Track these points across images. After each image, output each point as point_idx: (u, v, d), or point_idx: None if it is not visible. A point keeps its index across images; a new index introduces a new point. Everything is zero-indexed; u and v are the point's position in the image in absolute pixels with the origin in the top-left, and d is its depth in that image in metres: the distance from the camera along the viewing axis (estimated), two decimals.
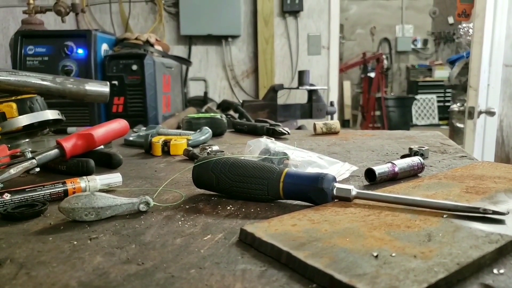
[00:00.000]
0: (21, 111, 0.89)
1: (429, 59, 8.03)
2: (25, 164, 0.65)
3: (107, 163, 0.80)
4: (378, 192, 0.54)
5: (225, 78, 3.24)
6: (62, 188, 0.59)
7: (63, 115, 0.95)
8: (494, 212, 0.44)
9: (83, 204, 0.49)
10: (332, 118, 2.65)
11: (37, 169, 0.68)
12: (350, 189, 0.52)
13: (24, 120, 0.87)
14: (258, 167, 0.56)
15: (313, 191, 0.53)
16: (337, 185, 0.53)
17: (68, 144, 0.73)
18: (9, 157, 0.70)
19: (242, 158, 0.61)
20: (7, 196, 0.54)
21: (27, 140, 0.94)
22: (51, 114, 0.92)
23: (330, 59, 3.21)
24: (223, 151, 0.89)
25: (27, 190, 0.56)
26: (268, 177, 0.55)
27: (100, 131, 0.81)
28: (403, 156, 0.82)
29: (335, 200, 0.53)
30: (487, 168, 0.69)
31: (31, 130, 0.95)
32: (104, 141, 0.83)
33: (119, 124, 0.89)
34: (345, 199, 0.53)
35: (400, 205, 0.49)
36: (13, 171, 0.62)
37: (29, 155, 0.67)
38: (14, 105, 0.88)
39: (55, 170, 0.76)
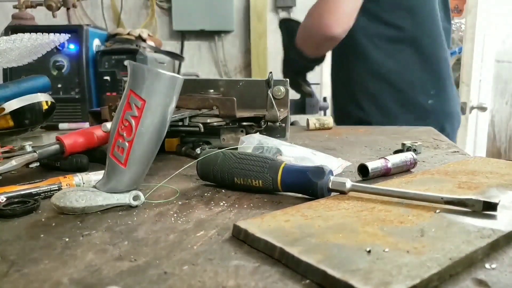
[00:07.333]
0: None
1: None
2: (27, 157, 0.65)
3: (101, 158, 0.79)
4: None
5: (218, 73, 3.23)
6: (55, 185, 0.59)
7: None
8: (485, 203, 0.44)
9: (74, 190, 0.50)
10: (325, 114, 2.65)
11: (37, 163, 0.68)
12: (344, 182, 0.53)
13: (14, 104, 0.84)
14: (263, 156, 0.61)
15: (312, 171, 0.54)
16: (332, 178, 0.54)
17: (69, 141, 0.72)
18: (4, 154, 0.69)
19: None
20: (3, 200, 0.53)
21: (19, 136, 0.93)
22: (43, 97, 0.88)
23: None
24: (216, 147, 0.88)
25: (20, 187, 0.56)
26: (271, 160, 0.58)
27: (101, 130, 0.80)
28: (396, 152, 0.82)
29: (331, 193, 0.54)
30: (479, 163, 0.69)
31: (23, 128, 0.93)
32: (104, 140, 0.82)
33: None
34: (340, 192, 0.53)
35: (394, 200, 0.50)
36: (15, 162, 0.62)
37: (30, 148, 0.67)
38: None
39: (49, 166, 0.75)
